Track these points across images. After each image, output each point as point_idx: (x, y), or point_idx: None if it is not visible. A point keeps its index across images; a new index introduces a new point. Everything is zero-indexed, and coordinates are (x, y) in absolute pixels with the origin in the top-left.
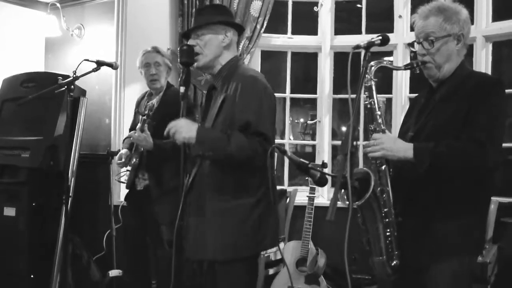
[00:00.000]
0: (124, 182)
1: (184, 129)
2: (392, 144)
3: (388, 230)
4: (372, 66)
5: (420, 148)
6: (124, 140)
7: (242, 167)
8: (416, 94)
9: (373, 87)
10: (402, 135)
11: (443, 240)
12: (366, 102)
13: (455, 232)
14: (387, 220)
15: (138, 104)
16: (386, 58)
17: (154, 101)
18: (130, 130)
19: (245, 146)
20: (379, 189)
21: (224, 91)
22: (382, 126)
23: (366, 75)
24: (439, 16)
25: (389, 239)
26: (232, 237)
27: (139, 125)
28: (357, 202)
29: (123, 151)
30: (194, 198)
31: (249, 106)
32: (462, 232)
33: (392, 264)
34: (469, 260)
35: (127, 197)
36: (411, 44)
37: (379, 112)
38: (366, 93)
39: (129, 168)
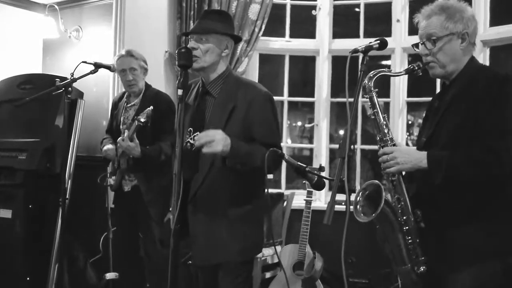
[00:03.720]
0: (107, 185)
1: (222, 142)
2: (406, 156)
3: (409, 237)
4: (371, 77)
5: (434, 158)
6: (103, 140)
7: (254, 174)
8: (417, 98)
9: (375, 98)
10: (418, 140)
11: (463, 248)
12: (370, 113)
13: (475, 239)
14: (407, 228)
15: (115, 105)
16: (384, 63)
17: (149, 109)
18: (107, 132)
19: (269, 159)
20: (396, 197)
21: (230, 99)
22: (389, 136)
23: (367, 86)
24: (442, 15)
25: (411, 246)
26: (251, 239)
27: (128, 132)
28: (370, 218)
29: (109, 146)
30: (204, 206)
31: (270, 127)
32: (482, 239)
33: (419, 271)
34: (493, 268)
35: (114, 200)
36: (415, 45)
37: (384, 122)
38: (369, 104)
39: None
